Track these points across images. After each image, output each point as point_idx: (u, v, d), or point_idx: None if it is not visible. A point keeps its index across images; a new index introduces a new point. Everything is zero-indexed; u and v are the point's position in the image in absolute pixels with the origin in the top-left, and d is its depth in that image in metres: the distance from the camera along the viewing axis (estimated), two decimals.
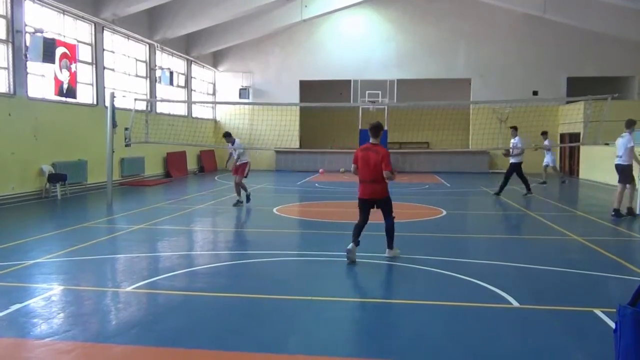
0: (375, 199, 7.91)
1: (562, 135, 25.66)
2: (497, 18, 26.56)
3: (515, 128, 16.67)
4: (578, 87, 25.26)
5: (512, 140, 16.31)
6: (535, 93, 26.11)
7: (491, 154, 26.72)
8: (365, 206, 7.99)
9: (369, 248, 8.58)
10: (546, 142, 19.84)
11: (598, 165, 20.81)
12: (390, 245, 8.01)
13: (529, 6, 24.17)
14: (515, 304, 5.77)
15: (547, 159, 20.06)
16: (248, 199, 13.91)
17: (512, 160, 16.15)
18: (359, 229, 7.93)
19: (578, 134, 22.03)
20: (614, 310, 3.66)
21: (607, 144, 18.75)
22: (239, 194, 13.84)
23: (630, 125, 12.18)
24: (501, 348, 4.71)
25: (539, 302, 5.89)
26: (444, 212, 12.82)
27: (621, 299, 3.77)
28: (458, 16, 26.96)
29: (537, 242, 9.73)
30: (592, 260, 8.10)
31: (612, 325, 4.45)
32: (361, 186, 7.96)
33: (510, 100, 24.12)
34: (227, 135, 14.17)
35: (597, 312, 5.43)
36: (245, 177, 13.91)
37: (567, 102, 24.86)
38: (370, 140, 7.93)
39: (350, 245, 7.68)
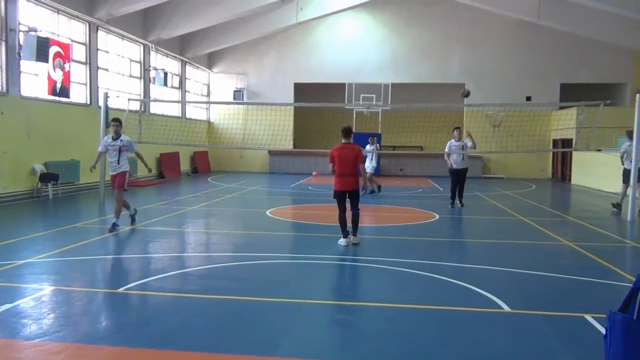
0: (350, 190, 9.04)
1: (555, 141, 25.73)
2: (492, 23, 26.63)
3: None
4: (571, 93, 25.40)
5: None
6: (528, 98, 26.07)
7: (484, 158, 26.76)
8: (342, 197, 9.11)
9: (364, 252, 8.62)
10: (370, 147, 17.33)
11: (590, 171, 20.84)
12: (355, 233, 9.08)
13: (523, 12, 24.18)
14: (507, 308, 5.77)
15: (369, 165, 17.39)
16: (133, 219, 10.71)
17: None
18: (343, 220, 9.10)
19: (570, 140, 22.12)
20: (604, 316, 3.74)
21: (599, 150, 18.84)
22: (117, 214, 10.28)
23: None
24: (492, 353, 4.70)
25: (530, 307, 5.88)
26: (437, 217, 12.81)
27: (611, 304, 3.90)
28: (453, 21, 27.01)
29: (529, 247, 9.72)
30: (583, 266, 8.10)
31: (603, 330, 4.58)
32: (340, 180, 9.06)
33: (504, 105, 24.19)
34: (118, 122, 10.42)
35: (588, 317, 5.44)
36: (125, 190, 10.49)
37: (560, 108, 24.91)
38: (343, 141, 9.15)
39: (344, 240, 8.97)
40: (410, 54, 27.49)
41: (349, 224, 9.17)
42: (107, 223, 11.24)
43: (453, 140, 14.58)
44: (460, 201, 14.65)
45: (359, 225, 9.29)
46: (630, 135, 13.70)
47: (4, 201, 13.63)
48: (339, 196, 9.16)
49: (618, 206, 14.10)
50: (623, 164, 14.24)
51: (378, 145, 17.77)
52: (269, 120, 20.12)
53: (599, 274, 7.55)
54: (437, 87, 28.08)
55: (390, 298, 6.28)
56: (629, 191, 13.35)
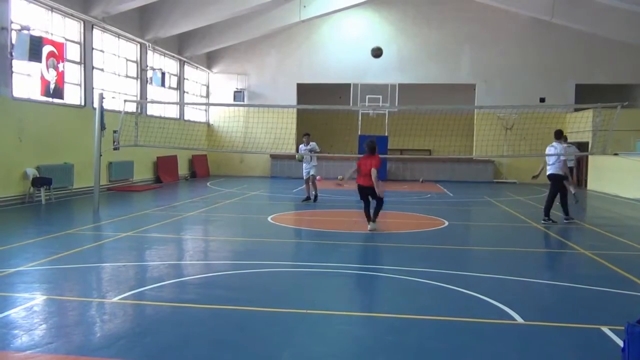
0: (367, 186, 11.17)
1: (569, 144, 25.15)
2: (503, 21, 26.13)
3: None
4: (586, 95, 24.91)
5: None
6: (542, 100, 25.59)
7: (496, 162, 26.30)
8: (361, 192, 11.41)
9: (371, 260, 8.75)
10: (304, 147, 16.16)
11: (607, 176, 20.43)
12: (374, 219, 11.20)
13: (536, 10, 23.72)
14: (520, 320, 5.65)
15: (307, 166, 16.17)
16: None
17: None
18: (367, 210, 11.41)
19: (586, 143, 21.75)
20: (622, 327, 3.78)
21: (616, 154, 18.48)
22: None
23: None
24: None
25: (544, 319, 5.74)
26: (447, 223, 12.58)
27: (630, 316, 4.04)
28: (462, 19, 26.52)
29: (543, 255, 9.68)
30: (600, 275, 7.94)
31: (620, 343, 4.52)
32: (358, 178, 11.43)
33: (516, 106, 23.73)
34: None
35: (605, 329, 5.31)
36: None
37: (575, 110, 24.39)
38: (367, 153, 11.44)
39: (370, 225, 11.07)
40: (417, 54, 26.97)
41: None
42: (102, 230, 11.27)
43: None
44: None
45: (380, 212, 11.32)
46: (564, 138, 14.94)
47: None
48: (359, 191, 11.44)
49: (575, 200, 15.77)
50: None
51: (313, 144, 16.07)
52: (271, 122, 19.77)
53: (617, 284, 7.37)
54: (445, 88, 27.71)
55: (398, 308, 6.19)
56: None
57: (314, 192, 16.15)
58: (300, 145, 16.26)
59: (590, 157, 22.06)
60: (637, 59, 25.16)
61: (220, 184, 22.42)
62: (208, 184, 22.73)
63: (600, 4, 20.90)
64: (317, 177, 16.19)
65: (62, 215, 13.21)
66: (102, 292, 6.68)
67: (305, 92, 27.95)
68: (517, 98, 24.96)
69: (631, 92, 25.27)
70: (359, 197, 11.49)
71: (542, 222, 12.52)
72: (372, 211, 11.28)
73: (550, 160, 12.66)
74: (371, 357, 4.74)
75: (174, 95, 24.75)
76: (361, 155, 11.99)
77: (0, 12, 13.71)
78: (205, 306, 6.03)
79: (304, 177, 16.29)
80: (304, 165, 16.20)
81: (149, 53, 22.00)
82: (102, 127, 13.57)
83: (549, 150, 12.83)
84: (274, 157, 26.84)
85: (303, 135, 16.47)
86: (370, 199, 11.35)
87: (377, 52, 14.04)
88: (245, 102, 27.47)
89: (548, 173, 12.76)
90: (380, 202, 11.26)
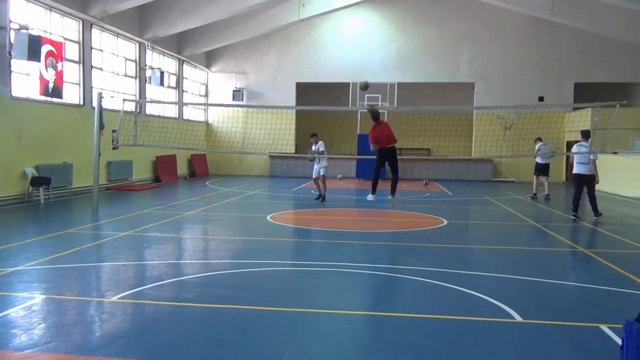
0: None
1: (569, 143, 25.07)
2: (502, 21, 26.09)
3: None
4: (586, 93, 24.84)
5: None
6: (541, 99, 25.54)
7: (495, 161, 26.25)
8: (383, 154, 11.44)
9: (370, 259, 8.65)
10: (314, 147, 16.30)
11: (606, 175, 20.33)
12: (393, 193, 11.78)
13: (535, 9, 23.67)
14: (519, 318, 5.65)
15: (316, 168, 16.41)
16: None
17: None
18: (377, 177, 11.73)
19: None
20: (621, 325, 3.73)
21: (615, 153, 18.44)
22: None
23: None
24: None
25: (543, 317, 5.74)
26: (445, 222, 12.56)
27: (628, 314, 3.94)
28: (461, 18, 26.45)
29: (542, 254, 9.64)
30: (599, 274, 7.96)
31: (619, 341, 4.57)
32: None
33: (515, 105, 23.67)
34: None
35: (603, 327, 5.32)
36: None
37: (574, 109, 24.35)
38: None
39: (390, 199, 11.88)
40: (417, 53, 26.92)
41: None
42: (100, 229, 11.26)
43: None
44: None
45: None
46: (540, 139, 18.07)
47: None
48: (381, 153, 11.52)
49: (534, 196, 17.63)
50: (535, 158, 17.82)
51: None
52: (270, 122, 19.79)
53: (615, 282, 7.40)
54: (445, 87, 27.66)
55: (398, 307, 6.23)
56: (540, 181, 17.70)
57: (322, 192, 16.27)
58: (312, 145, 16.40)
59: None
60: (636, 57, 25.09)
61: (219, 183, 22.37)
62: (207, 183, 22.70)
63: (599, 2, 20.85)
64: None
65: (61, 215, 13.18)
66: (101, 291, 6.67)
67: (305, 91, 27.87)
68: (516, 97, 24.95)
69: (630, 91, 25.16)
70: (377, 161, 11.52)
71: (594, 217, 13.13)
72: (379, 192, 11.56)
73: (582, 159, 12.94)
74: (371, 356, 4.72)
75: (172, 95, 24.67)
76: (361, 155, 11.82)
77: None
78: (205, 305, 6.01)
79: (313, 177, 16.50)
80: (314, 165, 16.42)
81: (148, 52, 21.93)
82: (101, 126, 13.53)
83: (578, 149, 13.14)
84: (273, 156, 26.81)
85: (311, 135, 16.61)
86: (388, 167, 11.68)
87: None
88: (245, 101, 27.40)
89: (579, 172, 12.97)
90: (397, 174, 11.67)
